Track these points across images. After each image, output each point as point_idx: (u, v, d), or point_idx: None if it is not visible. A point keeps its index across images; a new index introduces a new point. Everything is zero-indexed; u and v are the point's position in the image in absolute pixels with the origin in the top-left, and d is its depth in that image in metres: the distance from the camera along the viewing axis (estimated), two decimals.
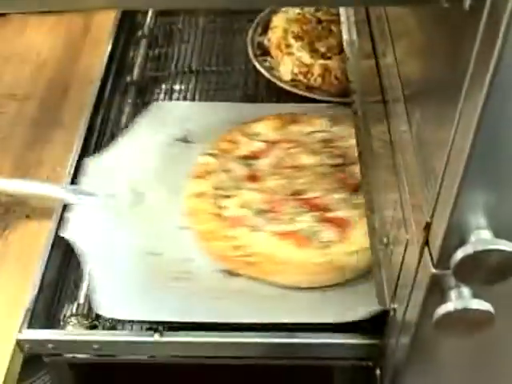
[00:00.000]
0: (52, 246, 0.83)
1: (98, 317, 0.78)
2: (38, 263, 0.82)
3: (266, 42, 1.19)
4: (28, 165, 0.97)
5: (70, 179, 0.89)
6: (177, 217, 0.85)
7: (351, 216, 0.80)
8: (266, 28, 1.20)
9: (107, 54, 1.10)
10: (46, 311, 0.81)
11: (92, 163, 0.92)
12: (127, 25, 1.19)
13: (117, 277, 0.79)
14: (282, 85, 1.09)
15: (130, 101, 1.07)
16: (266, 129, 0.94)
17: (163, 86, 1.12)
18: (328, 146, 0.91)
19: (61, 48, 1.18)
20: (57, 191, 0.87)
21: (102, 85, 1.06)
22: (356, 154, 0.78)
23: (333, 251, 0.77)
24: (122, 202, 0.86)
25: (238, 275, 0.79)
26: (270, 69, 1.13)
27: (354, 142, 0.81)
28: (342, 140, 0.91)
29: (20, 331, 0.77)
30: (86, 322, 0.80)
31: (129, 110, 1.05)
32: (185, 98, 1.08)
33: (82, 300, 0.81)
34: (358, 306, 0.71)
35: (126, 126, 1.00)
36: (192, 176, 0.88)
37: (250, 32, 1.19)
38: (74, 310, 0.81)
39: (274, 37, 1.17)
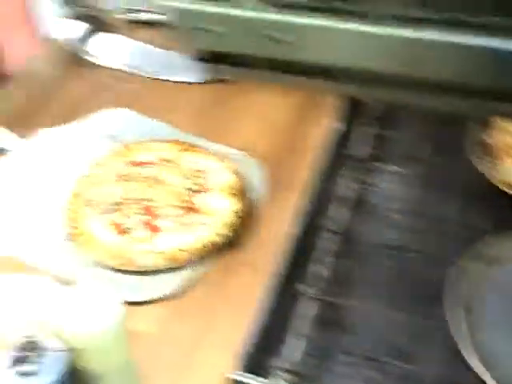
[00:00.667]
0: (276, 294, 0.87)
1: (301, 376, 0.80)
2: (255, 307, 0.86)
3: (487, 139, 1.18)
4: None
5: None
6: None
7: (166, 227, 1.00)
8: (486, 122, 1.19)
9: (333, 123, 1.15)
10: (256, 357, 0.83)
11: None
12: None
13: None
14: (505, 189, 1.09)
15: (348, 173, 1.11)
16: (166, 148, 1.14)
17: (380, 166, 1.15)
18: (199, 175, 1.08)
19: (292, 111, 1.24)
20: None
21: (324, 153, 1.10)
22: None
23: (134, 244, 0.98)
24: None
25: None
26: (488, 167, 1.13)
27: (221, 178, 1.06)
28: (211, 173, 1.09)
29: (231, 373, 0.80)
30: (289, 377, 0.82)
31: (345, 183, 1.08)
32: (400, 182, 1.11)
33: (289, 354, 0.83)
34: None
35: None
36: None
37: (471, 125, 1.19)
38: (281, 363, 0.83)
39: (500, 139, 1.17)
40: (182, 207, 1.03)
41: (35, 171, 1.14)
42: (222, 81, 1.26)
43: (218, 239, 0.99)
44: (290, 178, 1.10)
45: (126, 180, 1.08)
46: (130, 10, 1.58)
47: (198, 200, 1.04)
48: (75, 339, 0.71)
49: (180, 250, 0.97)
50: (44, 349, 0.68)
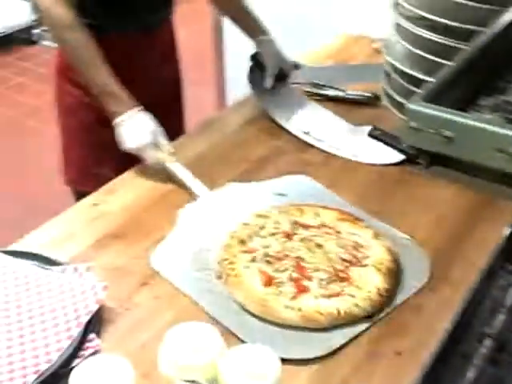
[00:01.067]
0: None
1: None
2: None
3: None
4: None
5: None
6: None
7: (313, 289, 1.04)
8: None
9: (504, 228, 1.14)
10: None
11: None
12: None
13: None
14: None
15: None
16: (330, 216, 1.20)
17: None
18: (354, 248, 1.12)
19: (465, 207, 1.25)
20: None
21: (489, 255, 1.09)
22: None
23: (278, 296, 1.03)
24: None
25: None
26: None
27: (375, 252, 1.10)
28: (368, 248, 1.12)
29: None
30: None
31: None
32: None
33: None
34: None
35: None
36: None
37: None
38: None
39: None
40: (334, 274, 1.06)
41: (211, 215, 1.24)
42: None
43: (355, 310, 1.01)
44: (449, 271, 1.10)
45: (286, 237, 1.15)
46: (316, 85, 1.67)
47: (351, 271, 1.07)
48: None
49: (317, 311, 0.99)
50: None
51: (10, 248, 1.15)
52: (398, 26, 1.55)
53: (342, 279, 1.06)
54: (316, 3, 2.19)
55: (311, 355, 0.95)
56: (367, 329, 1.01)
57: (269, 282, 1.05)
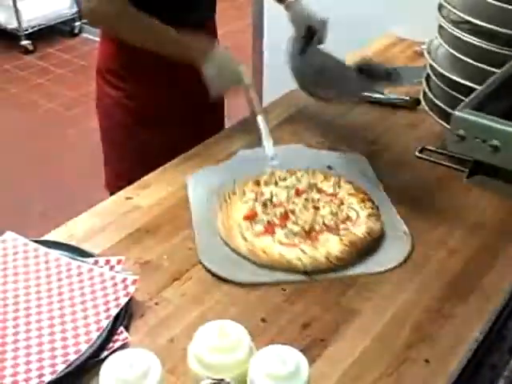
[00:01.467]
0: None
1: None
2: None
3: None
4: None
5: None
6: None
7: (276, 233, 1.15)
8: None
9: None
10: None
11: None
12: None
13: None
14: None
15: None
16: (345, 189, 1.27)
17: None
18: (343, 220, 1.18)
19: (502, 217, 1.24)
20: None
21: None
22: None
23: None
24: None
25: None
26: None
27: (356, 229, 1.15)
28: (354, 224, 1.17)
29: None
30: None
31: None
32: None
33: None
34: None
35: None
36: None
37: None
38: None
39: None
40: (306, 232, 1.14)
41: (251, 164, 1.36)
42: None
43: (296, 262, 1.09)
44: (481, 280, 1.08)
45: (296, 193, 1.24)
46: None
47: (323, 235, 1.14)
48: None
49: (262, 250, 1.11)
50: None
51: (44, 238, 1.16)
52: (442, 29, 1.52)
53: (309, 237, 1.13)
54: (360, 3, 2.17)
55: (236, 279, 1.07)
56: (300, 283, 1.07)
57: (250, 217, 1.17)
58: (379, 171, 1.36)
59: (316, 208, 1.20)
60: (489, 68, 1.33)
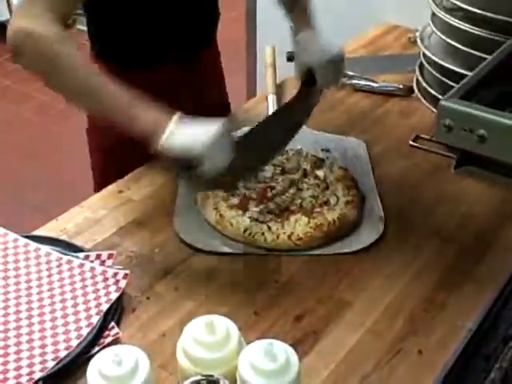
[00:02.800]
0: None
1: None
2: None
3: None
4: None
5: None
6: None
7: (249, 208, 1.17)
8: None
9: None
10: None
11: None
12: None
13: None
14: None
15: None
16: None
17: None
18: (321, 204, 1.18)
19: (495, 205, 1.23)
20: None
21: None
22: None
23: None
24: None
25: None
26: None
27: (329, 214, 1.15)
28: (330, 209, 1.17)
29: None
30: None
31: None
32: None
33: None
34: None
35: None
36: None
37: None
38: None
39: None
40: (280, 210, 1.16)
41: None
42: None
43: (258, 237, 1.11)
44: (475, 269, 1.08)
45: (282, 171, 1.27)
46: (348, 76, 1.64)
47: (295, 215, 1.15)
48: None
49: (229, 221, 1.14)
50: None
51: (35, 233, 1.15)
52: (434, 17, 1.51)
53: (280, 216, 1.15)
54: None
55: (199, 245, 1.12)
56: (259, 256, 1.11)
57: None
58: (372, 160, 1.35)
59: (299, 189, 1.22)
60: (481, 55, 1.32)
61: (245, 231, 1.12)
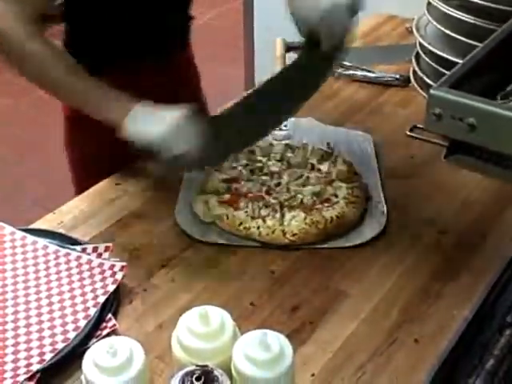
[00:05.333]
0: None
1: None
2: None
3: None
4: None
5: None
6: None
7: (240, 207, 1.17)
8: None
9: None
10: None
11: None
12: None
13: None
14: None
15: None
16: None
17: None
18: (322, 201, 1.18)
19: (491, 194, 1.23)
20: None
21: None
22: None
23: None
24: None
25: None
26: None
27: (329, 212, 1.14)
28: (330, 206, 1.16)
29: None
30: None
31: None
32: None
33: None
34: None
35: None
36: None
37: None
38: None
39: None
40: (278, 205, 1.16)
41: None
42: None
43: (253, 232, 1.11)
44: (471, 258, 1.08)
45: (288, 168, 1.26)
46: (344, 66, 1.64)
47: (293, 211, 1.15)
48: (245, 378, 0.75)
49: (224, 215, 1.14)
50: (212, 380, 0.72)
51: (32, 226, 1.15)
52: (430, 6, 1.51)
53: (278, 211, 1.14)
54: None
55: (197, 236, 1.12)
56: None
57: (229, 181, 1.21)
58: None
59: (303, 185, 1.21)
60: (477, 44, 1.31)
61: (240, 224, 1.12)
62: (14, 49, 1.03)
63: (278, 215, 1.14)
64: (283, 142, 1.33)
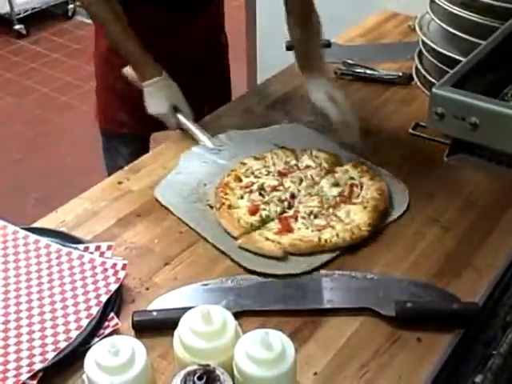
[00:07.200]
0: None
1: None
2: None
3: None
4: None
5: None
6: None
7: (298, 229, 1.13)
8: None
9: None
10: None
11: None
12: None
13: None
14: None
15: None
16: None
17: None
18: (349, 187, 1.21)
19: (494, 192, 1.22)
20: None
21: None
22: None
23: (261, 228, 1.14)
24: None
25: None
26: None
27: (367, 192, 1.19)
28: (361, 188, 1.21)
29: None
30: None
31: None
32: None
33: None
34: None
35: None
36: None
37: None
38: None
39: None
40: (323, 210, 1.16)
41: (211, 157, 1.34)
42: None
43: (335, 240, 1.09)
44: (474, 256, 1.08)
45: (280, 175, 1.25)
46: (347, 64, 1.64)
47: (340, 208, 1.17)
48: (246, 377, 0.74)
49: (298, 239, 1.09)
50: (214, 379, 0.72)
51: (34, 225, 1.15)
52: (433, 3, 1.50)
53: (329, 215, 1.15)
54: None
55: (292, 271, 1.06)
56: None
57: (255, 210, 1.16)
58: (373, 148, 1.34)
59: (315, 183, 1.23)
60: (480, 41, 1.31)
61: (319, 240, 1.10)
62: (85, 9, 1.46)
63: (334, 218, 1.14)
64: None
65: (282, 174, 1.25)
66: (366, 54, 1.73)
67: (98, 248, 1.07)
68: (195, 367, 0.72)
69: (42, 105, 3.50)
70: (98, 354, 0.75)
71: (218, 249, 1.10)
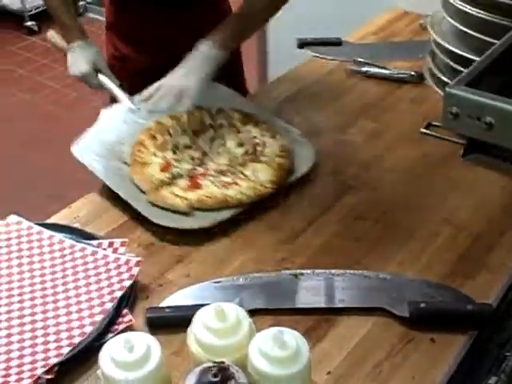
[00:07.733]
0: None
1: None
2: None
3: None
4: None
5: None
6: None
7: (205, 186, 1.19)
8: None
9: None
10: None
11: None
12: None
13: None
14: None
15: None
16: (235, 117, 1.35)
17: None
18: (253, 146, 1.27)
19: (508, 192, 1.22)
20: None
21: None
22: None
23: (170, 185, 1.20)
24: None
25: None
26: None
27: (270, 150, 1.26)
28: (264, 147, 1.27)
29: None
30: None
31: None
32: None
33: None
34: None
35: None
36: None
37: None
38: None
39: None
40: (230, 168, 1.22)
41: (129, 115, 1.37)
42: None
43: (241, 197, 1.16)
44: (487, 257, 1.08)
45: (194, 134, 1.30)
46: (359, 62, 1.63)
47: (247, 166, 1.22)
48: (261, 375, 0.75)
49: (205, 196, 1.15)
50: (229, 376, 0.72)
51: (48, 221, 1.16)
52: (446, 2, 1.50)
53: (236, 173, 1.20)
54: None
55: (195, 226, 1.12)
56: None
57: (167, 167, 1.21)
58: (384, 147, 1.34)
59: (222, 144, 1.29)
60: (493, 40, 1.30)
61: (225, 196, 1.16)
62: None
63: (241, 176, 1.19)
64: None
65: (196, 133, 1.31)
66: (377, 52, 1.73)
67: (111, 244, 1.07)
68: (210, 364, 0.72)
69: (54, 101, 3.51)
70: (113, 349, 0.75)
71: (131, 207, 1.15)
